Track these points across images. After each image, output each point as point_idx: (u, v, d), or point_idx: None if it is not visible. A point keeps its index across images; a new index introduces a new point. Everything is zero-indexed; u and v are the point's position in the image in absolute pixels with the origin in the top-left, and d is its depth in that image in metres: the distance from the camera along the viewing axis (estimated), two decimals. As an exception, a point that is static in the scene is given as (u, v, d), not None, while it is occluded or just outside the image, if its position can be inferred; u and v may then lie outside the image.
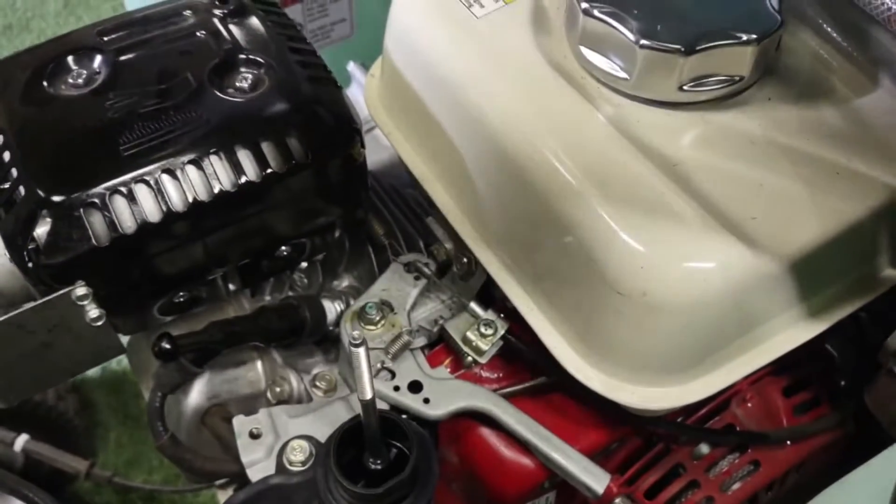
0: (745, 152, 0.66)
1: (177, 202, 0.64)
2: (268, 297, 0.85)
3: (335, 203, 0.73)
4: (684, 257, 0.62)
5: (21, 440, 1.00)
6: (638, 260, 0.62)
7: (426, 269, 0.79)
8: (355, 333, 0.52)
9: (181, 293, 0.72)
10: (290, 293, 0.85)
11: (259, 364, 0.80)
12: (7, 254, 0.66)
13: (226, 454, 0.77)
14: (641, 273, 0.62)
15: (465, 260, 0.79)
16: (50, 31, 2.49)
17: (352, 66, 1.08)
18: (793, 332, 0.68)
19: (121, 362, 1.59)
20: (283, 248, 0.75)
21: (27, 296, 0.72)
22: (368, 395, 0.55)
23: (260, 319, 0.77)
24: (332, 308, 0.81)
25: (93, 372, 1.80)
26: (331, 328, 0.82)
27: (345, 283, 0.86)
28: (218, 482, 0.80)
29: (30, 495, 0.84)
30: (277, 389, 0.79)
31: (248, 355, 0.80)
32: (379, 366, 0.73)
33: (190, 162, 0.65)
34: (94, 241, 0.63)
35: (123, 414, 1.75)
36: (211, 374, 0.78)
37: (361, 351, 0.52)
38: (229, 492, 0.81)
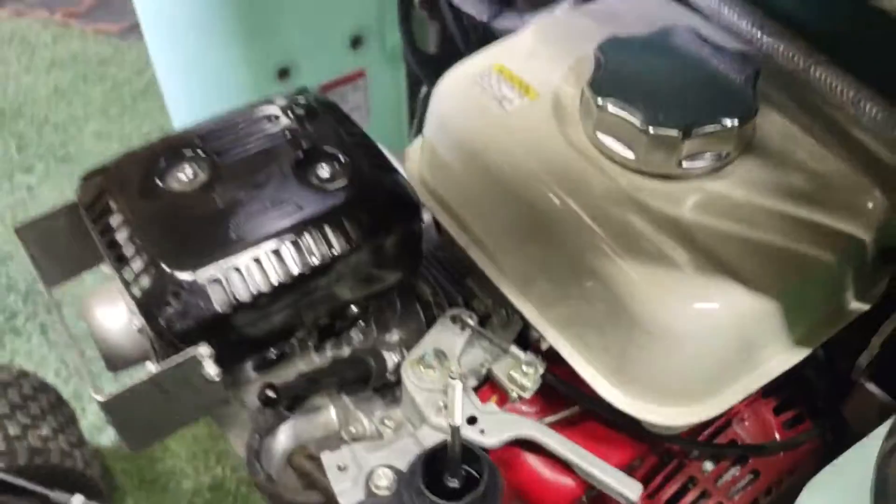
0: (734, 212, 0.80)
1: (282, 275, 0.78)
2: (329, 353, 0.98)
3: (399, 269, 0.88)
4: (694, 299, 0.76)
5: (77, 501, 1.12)
6: (656, 304, 0.77)
7: (470, 321, 0.92)
8: (453, 369, 0.66)
9: (273, 350, 0.85)
10: (347, 347, 0.98)
11: (332, 409, 0.93)
12: (134, 322, 0.80)
13: (309, 489, 0.90)
14: (659, 314, 0.77)
15: (503, 311, 0.93)
16: (41, 115, 2.54)
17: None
18: (784, 356, 0.82)
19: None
20: (353, 308, 0.89)
21: (141, 355, 0.85)
22: (458, 422, 0.69)
23: (336, 370, 0.90)
24: (389, 358, 0.95)
25: (107, 439, 1.88)
26: (388, 376, 0.95)
27: (395, 336, 0.98)
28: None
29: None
30: (352, 429, 0.90)
31: (322, 402, 0.92)
32: (441, 405, 0.86)
33: (291, 242, 0.79)
34: (217, 308, 0.76)
35: (139, 479, 1.80)
36: (294, 419, 0.90)
37: (458, 384, 0.66)
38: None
